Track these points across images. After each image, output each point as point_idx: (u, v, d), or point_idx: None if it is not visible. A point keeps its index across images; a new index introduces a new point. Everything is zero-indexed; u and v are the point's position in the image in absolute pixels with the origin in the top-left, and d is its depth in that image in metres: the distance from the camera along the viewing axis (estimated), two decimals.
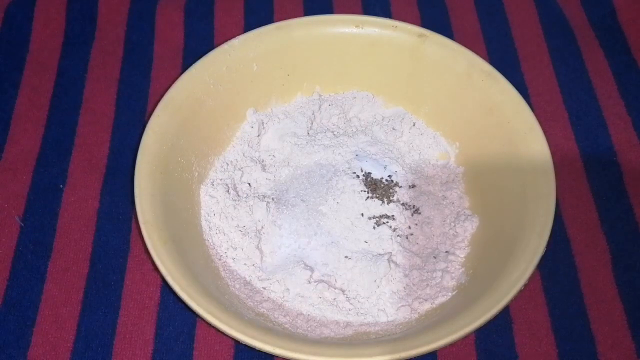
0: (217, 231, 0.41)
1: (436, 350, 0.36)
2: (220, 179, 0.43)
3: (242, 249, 0.41)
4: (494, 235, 0.40)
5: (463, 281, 0.39)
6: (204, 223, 0.41)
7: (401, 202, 0.43)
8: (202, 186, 0.43)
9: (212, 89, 0.43)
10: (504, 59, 0.51)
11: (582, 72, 0.50)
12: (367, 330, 0.38)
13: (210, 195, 0.42)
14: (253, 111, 0.46)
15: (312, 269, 0.40)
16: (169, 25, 0.53)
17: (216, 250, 0.41)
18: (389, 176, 0.44)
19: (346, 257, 0.40)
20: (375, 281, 0.40)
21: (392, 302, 0.39)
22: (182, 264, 0.36)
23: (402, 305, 0.39)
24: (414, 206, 0.43)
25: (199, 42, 0.52)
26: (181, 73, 0.43)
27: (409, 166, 0.45)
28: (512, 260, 0.36)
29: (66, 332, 0.39)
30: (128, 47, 0.52)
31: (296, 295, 0.39)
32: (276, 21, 0.47)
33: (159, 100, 0.41)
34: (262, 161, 0.45)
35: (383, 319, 0.39)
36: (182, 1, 0.54)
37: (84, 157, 0.46)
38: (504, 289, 0.34)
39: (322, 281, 0.40)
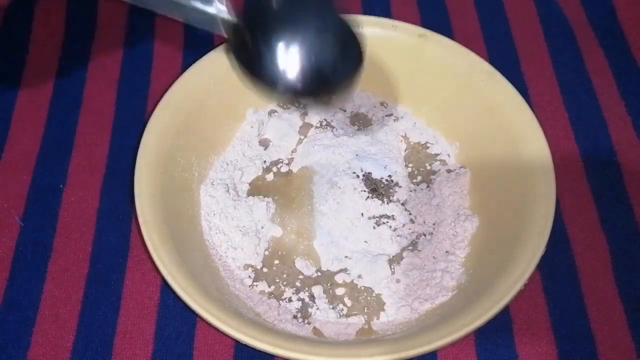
0: (217, 231, 0.41)
1: (436, 350, 0.36)
2: (220, 179, 0.43)
3: (242, 249, 0.41)
4: (494, 235, 0.40)
5: (463, 281, 0.39)
6: (204, 223, 0.41)
7: (401, 202, 0.43)
8: (202, 186, 0.43)
9: (212, 89, 0.43)
10: (504, 59, 0.51)
11: (582, 72, 0.50)
12: (367, 330, 0.38)
13: (210, 195, 0.42)
14: (253, 111, 0.46)
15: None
16: (169, 25, 0.53)
17: (216, 250, 0.41)
18: (389, 176, 0.44)
19: (346, 257, 0.41)
20: (375, 281, 0.40)
21: (392, 302, 0.39)
22: (182, 264, 0.36)
23: (402, 305, 0.39)
24: (414, 206, 0.43)
25: (199, 42, 0.52)
26: (181, 73, 0.43)
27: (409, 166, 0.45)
28: (512, 260, 0.36)
29: (66, 332, 0.39)
30: (128, 47, 0.52)
31: None
32: None
33: (159, 100, 0.41)
34: (263, 161, 0.45)
35: (383, 319, 0.39)
36: None
37: (84, 157, 0.46)
38: (504, 289, 0.34)
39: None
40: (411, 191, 0.43)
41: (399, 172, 0.44)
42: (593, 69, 0.50)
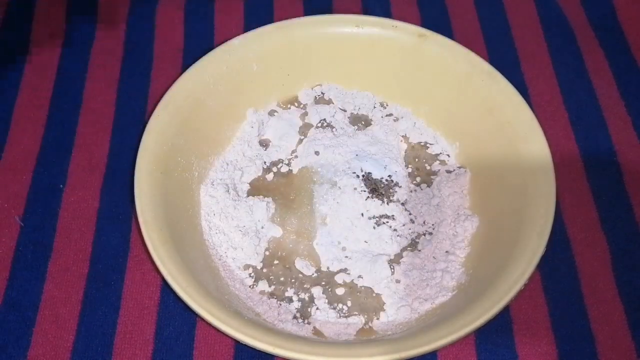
0: (217, 231, 0.41)
1: (436, 350, 0.36)
2: (220, 179, 0.43)
3: (242, 249, 0.41)
4: (494, 235, 0.40)
5: (463, 281, 0.39)
6: (204, 223, 0.41)
7: (401, 202, 0.43)
8: (202, 186, 0.43)
9: (212, 89, 0.43)
10: (504, 59, 0.51)
11: (582, 72, 0.50)
12: (367, 330, 0.38)
13: (210, 195, 0.42)
14: (253, 111, 0.46)
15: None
16: (169, 25, 0.53)
17: (216, 250, 0.41)
18: (389, 176, 0.44)
19: (346, 257, 0.41)
20: (375, 281, 0.40)
21: (392, 302, 0.39)
22: (182, 264, 0.36)
23: (402, 305, 0.39)
24: (414, 206, 0.43)
25: (199, 42, 0.52)
26: (181, 73, 0.43)
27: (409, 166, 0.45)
28: (512, 260, 0.36)
29: (66, 332, 0.39)
30: (128, 47, 0.52)
31: None
32: (276, 21, 0.47)
33: (159, 100, 0.41)
34: (263, 161, 0.45)
35: (383, 319, 0.39)
36: (182, 1, 0.54)
37: (84, 157, 0.46)
38: (504, 289, 0.34)
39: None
40: (411, 191, 0.43)
41: (399, 172, 0.44)
42: (593, 69, 0.50)
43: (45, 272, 0.41)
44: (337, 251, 0.41)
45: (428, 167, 0.45)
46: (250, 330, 0.33)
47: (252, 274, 0.40)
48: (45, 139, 0.46)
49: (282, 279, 0.40)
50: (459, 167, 0.44)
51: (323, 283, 0.40)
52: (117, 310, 0.40)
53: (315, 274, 0.40)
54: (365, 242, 0.41)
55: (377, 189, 0.43)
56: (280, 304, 0.39)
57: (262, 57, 0.45)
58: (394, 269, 0.40)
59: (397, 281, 0.40)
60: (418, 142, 0.46)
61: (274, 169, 0.45)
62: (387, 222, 0.42)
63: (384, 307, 0.39)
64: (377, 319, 0.39)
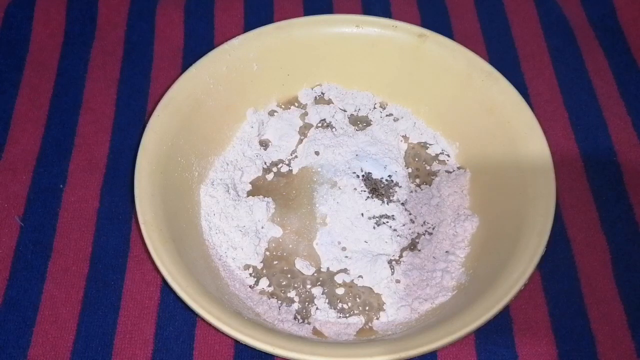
0: (217, 231, 0.41)
1: (436, 350, 0.36)
2: (220, 179, 0.43)
3: (242, 249, 0.41)
4: (494, 235, 0.40)
5: (463, 281, 0.39)
6: (204, 223, 0.41)
7: (401, 202, 0.43)
8: (202, 186, 0.43)
9: (212, 89, 0.43)
10: (504, 59, 0.51)
11: (582, 72, 0.50)
12: (367, 330, 0.38)
13: (210, 195, 0.42)
14: (253, 111, 0.46)
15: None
16: (169, 25, 0.53)
17: (216, 250, 0.41)
18: (389, 176, 0.44)
19: (346, 257, 0.41)
20: (375, 281, 0.40)
21: (392, 302, 0.39)
22: (182, 264, 0.36)
23: (402, 305, 0.39)
24: (414, 206, 0.43)
25: (199, 42, 0.52)
26: (181, 73, 0.43)
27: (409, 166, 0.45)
28: (512, 260, 0.36)
29: (66, 332, 0.39)
30: (128, 47, 0.52)
31: None
32: (276, 21, 0.47)
33: (159, 100, 0.41)
34: (263, 161, 0.45)
35: (383, 319, 0.39)
36: (182, 1, 0.54)
37: (84, 157, 0.46)
38: (504, 289, 0.34)
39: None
40: (411, 191, 0.43)
41: (399, 172, 0.44)
42: (593, 69, 0.50)
43: (45, 272, 0.41)
44: (337, 251, 0.41)
45: (428, 167, 0.45)
46: (250, 330, 0.33)
47: (252, 274, 0.40)
48: (45, 139, 0.46)
49: (282, 279, 0.40)
50: (459, 167, 0.44)
51: (323, 283, 0.40)
52: (117, 310, 0.40)
53: (315, 274, 0.40)
54: (365, 242, 0.41)
55: (377, 189, 0.43)
56: (280, 304, 0.39)
57: (262, 57, 0.45)
58: (394, 269, 0.40)
59: (397, 281, 0.40)
60: (418, 142, 0.46)
61: (274, 169, 0.45)
62: (387, 222, 0.42)
63: (384, 307, 0.39)
64: (377, 319, 0.39)
